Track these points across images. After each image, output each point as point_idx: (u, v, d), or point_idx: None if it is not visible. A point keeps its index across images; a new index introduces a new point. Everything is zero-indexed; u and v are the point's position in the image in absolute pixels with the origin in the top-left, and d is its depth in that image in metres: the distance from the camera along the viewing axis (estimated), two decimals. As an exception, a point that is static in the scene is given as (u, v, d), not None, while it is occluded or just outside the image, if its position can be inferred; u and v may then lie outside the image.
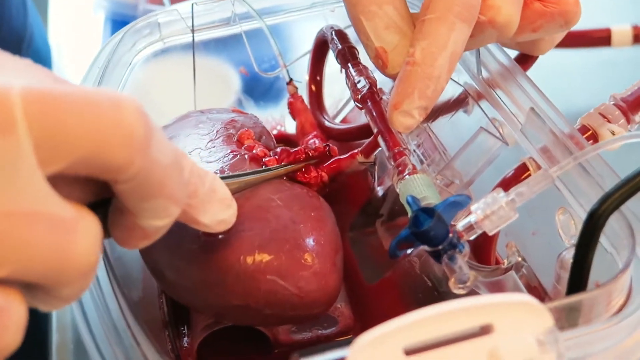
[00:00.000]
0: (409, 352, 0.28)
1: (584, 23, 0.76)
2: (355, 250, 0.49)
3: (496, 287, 0.39)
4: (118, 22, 0.87)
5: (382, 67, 0.41)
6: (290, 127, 0.59)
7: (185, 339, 0.45)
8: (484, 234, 0.42)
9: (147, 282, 0.47)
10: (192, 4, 0.53)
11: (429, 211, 0.35)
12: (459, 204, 0.36)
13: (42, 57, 0.82)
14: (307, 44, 0.56)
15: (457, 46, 0.39)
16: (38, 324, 0.71)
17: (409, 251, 0.45)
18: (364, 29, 0.40)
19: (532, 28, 0.42)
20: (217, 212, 0.34)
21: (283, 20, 0.56)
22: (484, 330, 0.29)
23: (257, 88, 0.60)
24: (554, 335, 0.29)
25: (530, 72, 0.49)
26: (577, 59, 0.79)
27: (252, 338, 0.44)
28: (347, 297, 0.46)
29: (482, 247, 0.44)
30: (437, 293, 0.43)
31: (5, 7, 0.70)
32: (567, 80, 0.78)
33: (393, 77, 0.41)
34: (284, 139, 0.58)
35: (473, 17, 0.39)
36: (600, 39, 0.76)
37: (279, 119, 0.60)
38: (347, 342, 0.28)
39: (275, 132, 0.60)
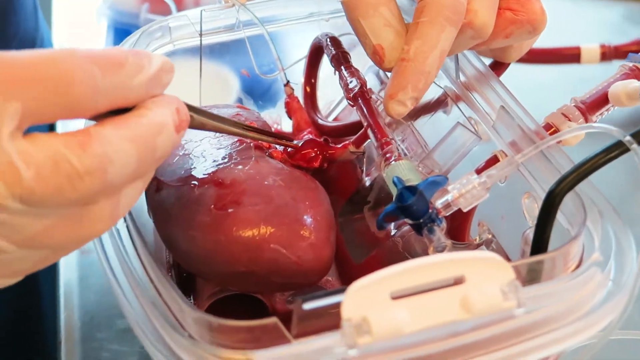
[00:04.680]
0: (394, 297, 0.34)
1: (556, 41, 0.83)
2: (344, 234, 0.54)
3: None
4: (120, 30, 0.91)
5: (380, 62, 0.46)
6: (285, 126, 0.65)
7: (192, 307, 0.50)
8: (460, 218, 0.48)
9: (156, 257, 0.53)
10: (201, 10, 0.58)
11: (412, 189, 0.41)
12: (438, 183, 0.41)
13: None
14: (302, 50, 0.62)
15: (445, 46, 0.45)
16: (46, 308, 0.76)
17: (392, 232, 0.51)
18: (362, 29, 0.46)
19: (505, 34, 0.48)
20: None
21: (281, 28, 0.61)
22: (457, 281, 0.34)
23: (256, 89, 0.66)
24: (515, 286, 0.34)
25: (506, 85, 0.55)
26: (549, 74, 0.86)
27: (251, 307, 0.50)
28: (337, 274, 0.52)
29: (458, 229, 0.50)
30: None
31: (19, 11, 0.75)
32: (538, 93, 0.84)
33: (388, 71, 0.46)
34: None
35: (460, 21, 0.45)
36: (570, 56, 0.83)
37: (275, 118, 0.66)
38: (343, 290, 0.34)
39: (272, 129, 0.65)
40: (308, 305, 0.34)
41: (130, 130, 0.34)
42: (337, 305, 0.34)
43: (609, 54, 0.83)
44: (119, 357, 0.62)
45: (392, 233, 0.50)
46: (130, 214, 0.42)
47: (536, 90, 0.84)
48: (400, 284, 0.34)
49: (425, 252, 0.46)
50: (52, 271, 0.70)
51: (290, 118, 0.60)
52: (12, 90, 0.31)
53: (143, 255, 0.40)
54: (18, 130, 0.32)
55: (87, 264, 0.69)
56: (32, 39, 0.78)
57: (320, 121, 0.59)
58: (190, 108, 0.40)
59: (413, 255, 0.49)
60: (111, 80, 0.34)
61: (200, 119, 0.42)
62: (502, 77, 0.54)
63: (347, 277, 0.52)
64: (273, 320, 0.34)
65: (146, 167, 0.36)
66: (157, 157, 0.36)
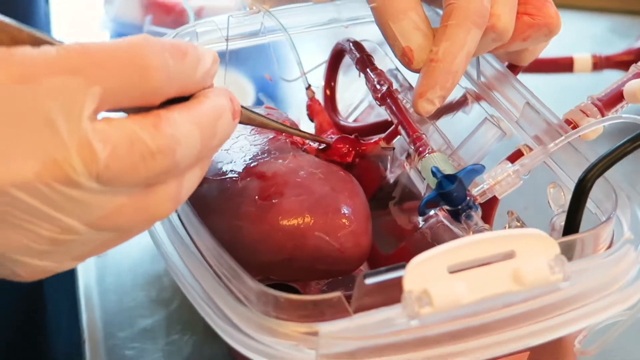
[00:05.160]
0: (452, 270, 0.36)
1: (549, 52, 0.87)
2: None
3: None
4: (122, 43, 0.93)
5: (408, 63, 0.49)
6: (304, 127, 0.67)
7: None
8: (485, 210, 0.51)
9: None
10: (229, 17, 0.61)
11: (451, 177, 0.44)
12: (476, 171, 0.44)
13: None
14: (315, 56, 0.65)
15: (471, 47, 0.48)
16: (51, 312, 0.76)
17: (420, 225, 0.53)
18: (392, 32, 0.49)
19: (523, 37, 0.51)
20: None
21: (299, 35, 0.64)
22: (508, 255, 0.37)
23: (271, 95, 0.69)
24: (561, 260, 0.37)
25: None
26: (543, 83, 0.89)
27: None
28: (368, 266, 0.54)
29: (484, 217, 0.52)
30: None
31: (34, 19, 0.77)
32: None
33: (416, 72, 0.49)
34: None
35: (484, 24, 0.48)
36: (563, 65, 0.87)
37: (293, 120, 0.68)
38: (402, 266, 0.36)
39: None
40: (370, 280, 0.36)
41: (193, 114, 0.36)
42: (397, 281, 0.36)
43: (600, 63, 0.87)
44: (144, 354, 0.63)
45: (420, 225, 0.53)
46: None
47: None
48: (457, 259, 0.36)
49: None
50: (56, 276, 0.71)
51: (312, 120, 0.63)
52: (95, 74, 0.33)
53: (197, 232, 0.42)
54: (95, 113, 0.33)
55: (103, 266, 0.71)
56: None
57: (341, 122, 0.62)
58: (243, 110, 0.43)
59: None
60: (179, 69, 0.36)
61: (248, 113, 0.45)
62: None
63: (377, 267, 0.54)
64: (337, 294, 0.36)
65: (207, 151, 0.37)
66: (215, 143, 0.38)
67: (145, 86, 0.34)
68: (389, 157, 0.57)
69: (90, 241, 0.36)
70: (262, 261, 0.47)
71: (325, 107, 0.63)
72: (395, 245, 0.55)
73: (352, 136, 0.54)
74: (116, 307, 0.67)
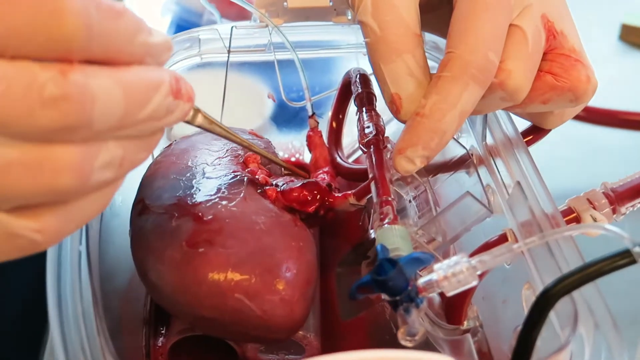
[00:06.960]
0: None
1: (622, 103, 0.77)
2: (338, 285, 0.50)
3: (453, 346, 0.41)
4: (182, 28, 0.90)
5: (396, 113, 0.42)
6: (308, 157, 0.62)
7: (161, 339, 0.47)
8: (457, 299, 0.44)
9: (136, 278, 0.50)
10: (232, 27, 0.56)
11: (392, 262, 0.37)
12: (421, 261, 0.37)
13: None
14: (336, 82, 0.59)
15: (467, 106, 0.40)
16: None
17: (383, 297, 0.47)
18: (382, 74, 0.42)
19: (542, 100, 0.44)
20: None
21: (316, 56, 0.58)
22: (405, 383, 0.30)
23: (283, 114, 0.63)
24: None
25: (565, 141, 0.49)
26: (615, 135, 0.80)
27: (222, 351, 0.46)
28: (320, 329, 0.48)
29: (455, 305, 0.45)
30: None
31: None
32: (604, 157, 0.78)
33: (404, 122, 0.42)
34: (299, 167, 0.60)
35: (487, 80, 0.40)
36: (635, 122, 0.77)
37: (298, 147, 0.62)
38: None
39: (293, 159, 0.62)
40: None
41: (119, 73, 0.30)
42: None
43: (681, 126, 0.77)
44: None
45: (383, 296, 0.46)
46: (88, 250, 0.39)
47: (596, 152, 0.78)
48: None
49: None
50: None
51: (310, 152, 0.57)
52: None
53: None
54: None
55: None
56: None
57: (338, 160, 0.56)
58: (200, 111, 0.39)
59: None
60: (107, 27, 0.29)
61: (211, 119, 0.40)
62: (553, 132, 0.49)
63: (329, 333, 0.48)
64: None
65: (132, 122, 0.31)
66: (144, 115, 0.31)
67: (57, 31, 0.28)
68: (372, 209, 0.50)
69: None
70: (184, 312, 0.42)
71: (328, 140, 0.57)
72: (355, 312, 0.48)
73: (325, 184, 0.48)
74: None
